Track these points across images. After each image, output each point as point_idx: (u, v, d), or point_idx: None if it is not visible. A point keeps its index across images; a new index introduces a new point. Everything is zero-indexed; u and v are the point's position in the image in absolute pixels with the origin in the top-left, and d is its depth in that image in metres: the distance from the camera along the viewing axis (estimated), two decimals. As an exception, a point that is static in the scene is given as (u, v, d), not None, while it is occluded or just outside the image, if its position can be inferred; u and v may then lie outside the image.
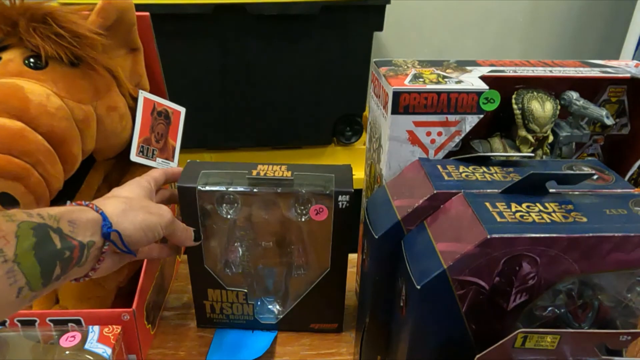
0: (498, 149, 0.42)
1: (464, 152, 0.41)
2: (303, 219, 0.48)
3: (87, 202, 0.37)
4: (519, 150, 0.42)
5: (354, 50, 1.18)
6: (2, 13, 0.41)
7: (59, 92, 0.41)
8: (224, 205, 0.48)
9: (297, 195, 0.47)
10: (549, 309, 0.33)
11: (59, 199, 0.44)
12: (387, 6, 1.18)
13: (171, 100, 0.54)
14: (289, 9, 1.10)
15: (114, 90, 0.46)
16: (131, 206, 0.39)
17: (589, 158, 0.44)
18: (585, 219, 0.31)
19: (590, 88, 0.44)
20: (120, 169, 0.51)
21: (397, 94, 0.38)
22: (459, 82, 0.39)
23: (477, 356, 0.28)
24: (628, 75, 0.43)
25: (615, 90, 0.44)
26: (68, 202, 0.47)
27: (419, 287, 0.30)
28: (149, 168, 0.53)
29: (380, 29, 1.18)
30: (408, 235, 0.34)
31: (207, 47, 1.05)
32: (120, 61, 0.47)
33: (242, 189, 0.46)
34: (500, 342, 0.28)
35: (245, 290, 0.51)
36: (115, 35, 0.46)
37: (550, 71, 0.43)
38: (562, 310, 0.33)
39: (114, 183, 0.50)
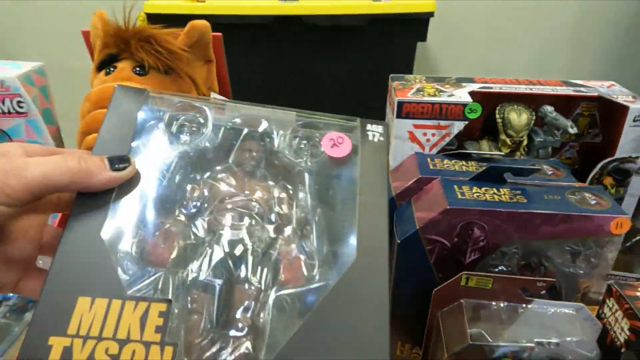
0: (484, 148, 0.53)
1: (459, 150, 0.52)
2: (308, 161, 0.31)
3: None
4: (500, 151, 0.53)
5: (398, 59, 1.29)
6: (120, 35, 0.57)
7: (155, 92, 0.57)
8: (182, 125, 0.31)
9: (302, 124, 0.32)
10: (500, 267, 0.44)
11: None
12: (434, 18, 1.29)
13: (234, 99, 0.69)
14: (339, 21, 1.23)
15: (193, 92, 0.61)
16: None
17: (552, 159, 0.54)
18: (525, 201, 0.42)
19: (567, 103, 0.54)
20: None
21: (400, 103, 0.50)
22: (451, 95, 0.51)
23: (435, 289, 0.40)
24: (596, 94, 0.52)
25: (587, 106, 0.54)
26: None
27: (399, 241, 0.42)
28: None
29: (424, 39, 1.29)
30: (399, 208, 0.47)
31: (267, 54, 1.20)
32: (198, 70, 0.62)
33: (216, 105, 0.32)
34: (450, 280, 0.40)
35: (169, 300, 0.26)
36: (196, 51, 0.61)
37: (531, 89, 0.54)
38: (510, 269, 0.44)
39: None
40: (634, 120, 0.49)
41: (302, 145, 0.32)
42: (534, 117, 0.52)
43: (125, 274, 0.27)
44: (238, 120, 0.32)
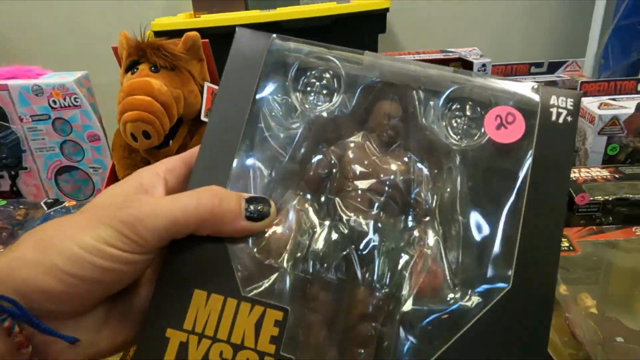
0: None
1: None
2: (462, 141, 0.27)
3: None
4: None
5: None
6: (139, 47, 0.84)
7: (165, 83, 0.83)
8: (311, 85, 0.28)
9: (458, 90, 0.27)
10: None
11: (165, 138, 0.86)
12: (392, 11, 1.54)
13: (222, 87, 0.95)
14: (311, 22, 1.49)
15: (191, 82, 0.88)
16: (60, 229, 0.24)
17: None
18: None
19: (444, 64, 0.80)
20: (195, 125, 0.93)
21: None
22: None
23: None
24: (457, 56, 0.78)
25: (455, 65, 0.79)
26: (171, 141, 0.90)
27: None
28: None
29: (384, 31, 1.55)
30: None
31: (252, 55, 1.47)
32: (194, 67, 0.89)
33: (351, 65, 0.28)
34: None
35: (286, 309, 0.25)
36: (191, 53, 0.87)
37: (414, 57, 0.79)
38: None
39: (193, 131, 0.92)
40: (478, 70, 0.74)
41: (458, 120, 0.26)
42: (417, 75, 0.78)
43: (241, 269, 0.25)
44: (377, 79, 0.27)
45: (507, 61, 0.88)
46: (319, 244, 0.26)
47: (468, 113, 0.27)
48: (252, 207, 0.26)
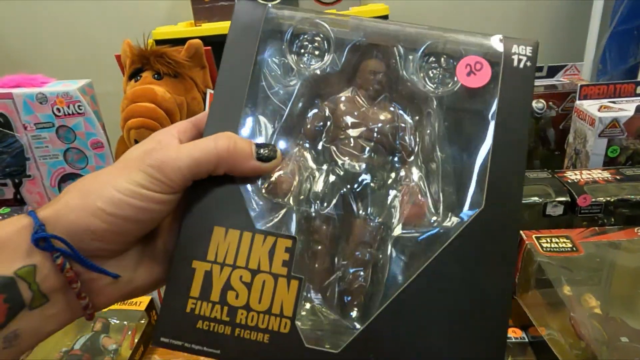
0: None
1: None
2: (438, 89, 0.30)
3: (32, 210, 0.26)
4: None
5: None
6: (142, 55, 0.84)
7: (168, 90, 0.84)
8: (304, 47, 0.31)
9: (432, 45, 0.30)
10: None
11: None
12: (391, 16, 1.56)
13: (224, 94, 0.96)
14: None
15: (194, 89, 0.89)
16: (97, 179, 0.28)
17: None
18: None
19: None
20: (199, 132, 0.94)
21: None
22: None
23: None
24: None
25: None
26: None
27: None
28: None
29: (383, 37, 1.56)
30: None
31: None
32: (197, 74, 0.90)
33: (339, 28, 0.31)
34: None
35: (294, 237, 0.28)
36: (194, 61, 0.88)
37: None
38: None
39: (196, 138, 0.93)
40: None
41: (434, 71, 0.29)
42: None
43: (254, 207, 0.29)
44: (362, 39, 0.30)
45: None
46: (319, 186, 0.30)
47: (443, 65, 0.30)
48: (261, 150, 0.30)
